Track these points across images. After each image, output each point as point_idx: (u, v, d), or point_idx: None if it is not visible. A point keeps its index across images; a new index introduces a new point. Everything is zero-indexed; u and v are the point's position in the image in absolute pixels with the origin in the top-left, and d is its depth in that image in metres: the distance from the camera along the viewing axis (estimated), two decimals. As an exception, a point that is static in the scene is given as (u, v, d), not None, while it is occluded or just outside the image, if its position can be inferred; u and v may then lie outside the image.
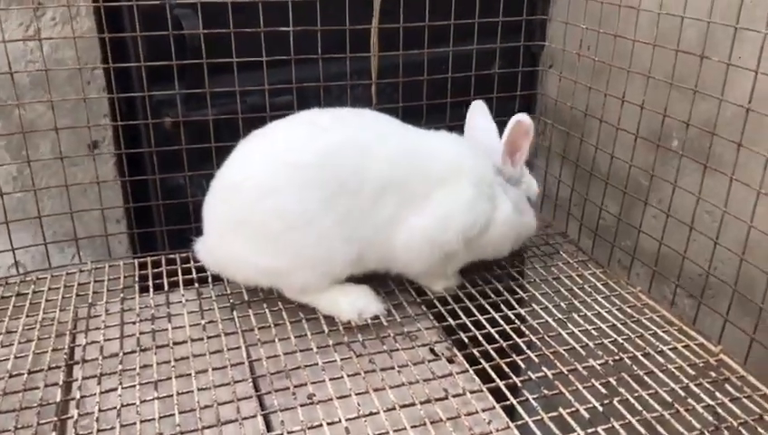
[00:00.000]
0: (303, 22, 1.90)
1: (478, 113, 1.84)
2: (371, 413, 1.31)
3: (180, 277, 1.82)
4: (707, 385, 1.40)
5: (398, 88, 2.11)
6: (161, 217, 2.01)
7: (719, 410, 1.33)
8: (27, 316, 1.67)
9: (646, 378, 1.41)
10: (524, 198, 1.79)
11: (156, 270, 1.86)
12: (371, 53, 2.05)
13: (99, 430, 1.29)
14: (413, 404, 1.33)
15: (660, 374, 1.43)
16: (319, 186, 1.51)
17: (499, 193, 1.69)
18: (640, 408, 1.32)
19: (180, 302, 1.71)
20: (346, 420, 1.29)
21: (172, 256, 1.90)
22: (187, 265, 1.85)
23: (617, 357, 1.48)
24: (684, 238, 1.68)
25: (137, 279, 1.85)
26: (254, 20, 1.86)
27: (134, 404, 1.35)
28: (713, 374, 1.44)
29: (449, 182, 1.61)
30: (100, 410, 1.33)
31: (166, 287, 1.78)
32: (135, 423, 1.30)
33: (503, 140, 1.70)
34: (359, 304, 1.60)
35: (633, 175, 1.87)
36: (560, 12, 2.19)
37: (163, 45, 1.84)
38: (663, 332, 1.59)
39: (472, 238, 1.63)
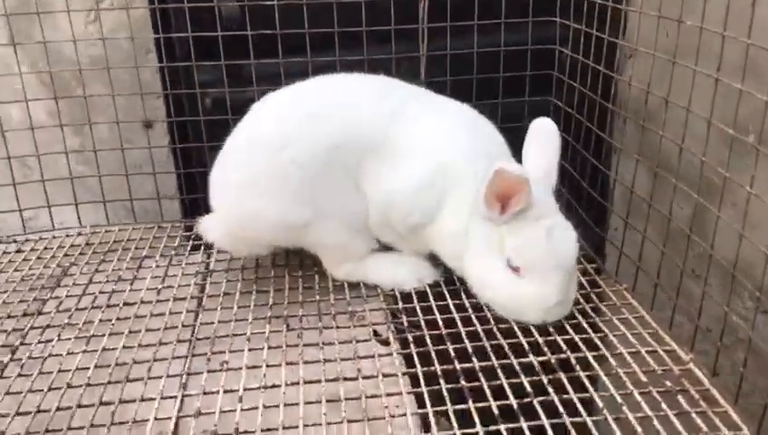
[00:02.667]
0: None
1: (533, 137, 1.53)
2: (273, 386, 1.26)
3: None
4: (655, 395, 1.22)
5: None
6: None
7: (654, 423, 1.16)
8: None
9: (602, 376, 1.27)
10: (503, 259, 1.40)
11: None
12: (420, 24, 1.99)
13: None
14: (318, 381, 1.27)
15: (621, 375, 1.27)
16: (327, 138, 1.50)
17: (456, 202, 1.48)
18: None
19: (179, 265, 1.76)
20: (244, 389, 1.25)
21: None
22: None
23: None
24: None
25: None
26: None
27: (60, 355, 1.39)
28: (668, 384, 1.26)
29: (413, 159, 1.52)
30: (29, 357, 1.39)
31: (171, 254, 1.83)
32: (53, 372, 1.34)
33: (482, 186, 1.38)
34: (418, 272, 1.59)
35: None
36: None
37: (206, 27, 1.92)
38: (634, 335, 1.42)
39: (414, 227, 1.53)
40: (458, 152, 1.52)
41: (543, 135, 1.50)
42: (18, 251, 1.90)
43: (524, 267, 1.37)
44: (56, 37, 1.98)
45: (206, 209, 1.70)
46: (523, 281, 1.37)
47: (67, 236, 1.96)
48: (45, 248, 1.90)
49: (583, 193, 1.87)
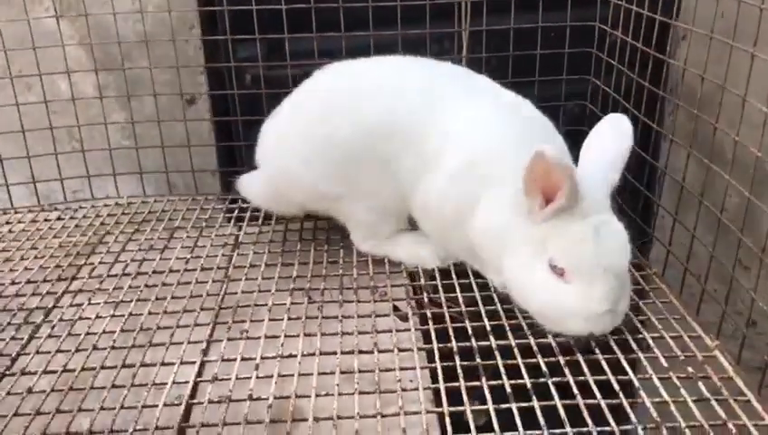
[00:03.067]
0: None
1: (601, 131, 1.41)
2: (290, 355, 1.28)
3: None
4: (676, 380, 1.19)
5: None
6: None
7: (672, 409, 1.13)
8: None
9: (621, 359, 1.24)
10: (545, 260, 1.26)
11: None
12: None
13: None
14: (334, 353, 1.28)
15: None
16: (365, 122, 1.50)
17: (495, 197, 1.37)
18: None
19: (209, 237, 1.80)
20: (261, 358, 1.27)
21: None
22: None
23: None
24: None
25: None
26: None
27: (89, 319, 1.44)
28: (690, 369, 1.22)
29: (448, 157, 1.47)
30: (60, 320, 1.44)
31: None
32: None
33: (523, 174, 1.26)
34: (440, 252, 1.58)
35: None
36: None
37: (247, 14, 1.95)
38: (660, 319, 1.38)
39: (452, 224, 1.48)
40: (495, 146, 1.43)
41: (613, 131, 1.38)
42: (59, 219, 1.96)
43: (569, 270, 1.22)
44: (104, 12, 2.02)
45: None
46: (567, 286, 1.23)
47: (105, 205, 2.02)
48: (84, 217, 1.96)
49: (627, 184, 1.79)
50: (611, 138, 1.37)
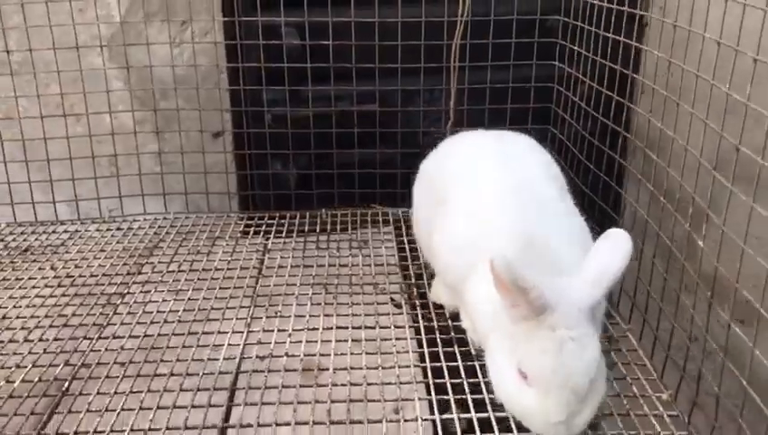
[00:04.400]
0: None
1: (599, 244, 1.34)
2: (313, 328, 1.72)
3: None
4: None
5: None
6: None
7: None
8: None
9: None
10: (515, 359, 1.26)
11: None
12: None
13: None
14: (346, 327, 1.72)
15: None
16: (428, 173, 1.80)
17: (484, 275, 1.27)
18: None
19: (243, 244, 2.24)
20: (292, 329, 1.71)
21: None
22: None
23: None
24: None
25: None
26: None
27: (157, 301, 1.88)
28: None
29: (452, 216, 1.59)
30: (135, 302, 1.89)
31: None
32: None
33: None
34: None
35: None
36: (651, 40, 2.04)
37: (272, 57, 2.41)
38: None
39: (451, 283, 1.64)
40: (491, 226, 1.46)
41: (609, 246, 1.31)
42: (118, 229, 2.41)
43: (530, 376, 1.23)
44: (146, 59, 2.45)
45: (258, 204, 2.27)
46: (528, 389, 1.24)
47: (155, 219, 2.46)
48: (139, 228, 2.40)
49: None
50: (606, 253, 1.31)
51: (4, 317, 1.82)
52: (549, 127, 2.47)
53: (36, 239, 2.33)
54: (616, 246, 1.31)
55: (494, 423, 1.37)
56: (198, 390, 1.49)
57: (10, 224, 2.45)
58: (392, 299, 1.90)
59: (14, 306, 1.87)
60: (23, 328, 1.76)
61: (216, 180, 2.57)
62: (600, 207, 2.10)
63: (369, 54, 2.37)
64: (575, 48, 2.22)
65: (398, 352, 1.62)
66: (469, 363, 1.56)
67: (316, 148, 2.50)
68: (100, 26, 2.43)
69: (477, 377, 1.50)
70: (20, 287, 1.98)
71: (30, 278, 2.04)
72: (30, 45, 2.36)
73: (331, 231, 2.30)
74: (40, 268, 2.11)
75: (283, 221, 2.40)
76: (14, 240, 2.33)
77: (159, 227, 2.41)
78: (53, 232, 2.39)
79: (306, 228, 2.35)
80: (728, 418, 1.43)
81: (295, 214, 2.45)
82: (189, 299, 1.88)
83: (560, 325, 1.22)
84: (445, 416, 1.41)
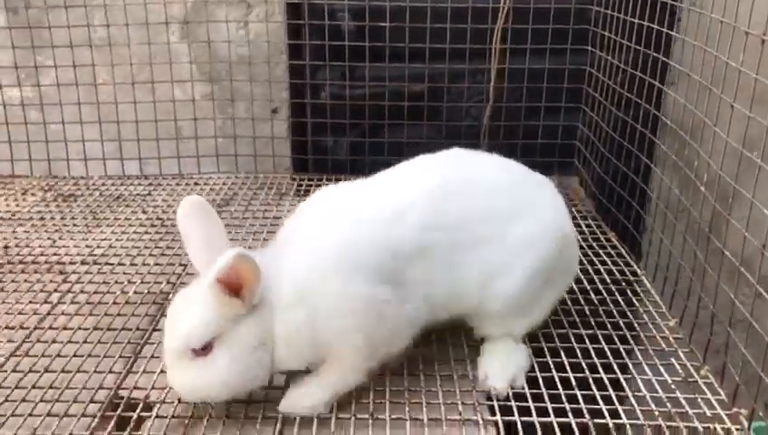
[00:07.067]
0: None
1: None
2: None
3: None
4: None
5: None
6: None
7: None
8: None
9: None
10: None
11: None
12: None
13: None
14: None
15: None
16: None
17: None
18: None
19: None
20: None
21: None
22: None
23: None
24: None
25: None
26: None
27: (237, 240, 2.20)
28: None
29: None
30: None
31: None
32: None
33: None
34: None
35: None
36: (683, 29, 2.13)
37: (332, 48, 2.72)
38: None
39: None
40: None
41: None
42: (195, 183, 2.75)
43: None
44: (216, 38, 2.78)
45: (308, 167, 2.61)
46: None
47: (228, 177, 2.80)
48: (214, 184, 2.74)
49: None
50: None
51: (110, 246, 2.17)
52: (581, 105, 2.74)
53: (126, 189, 2.68)
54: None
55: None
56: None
57: (101, 177, 2.81)
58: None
59: (117, 240, 2.22)
60: (127, 255, 2.10)
61: (278, 146, 2.88)
62: (630, 187, 2.30)
63: (420, 37, 2.67)
64: (607, 34, 2.49)
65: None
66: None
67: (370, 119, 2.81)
68: (176, 6, 2.75)
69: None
70: (119, 225, 2.33)
71: (126, 219, 2.39)
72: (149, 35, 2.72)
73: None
74: (132, 212, 2.46)
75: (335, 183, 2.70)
76: (107, 190, 2.68)
77: (232, 183, 2.75)
78: (139, 184, 2.74)
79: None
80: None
81: (347, 178, 2.73)
82: (264, 239, 2.21)
83: None
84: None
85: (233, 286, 1.27)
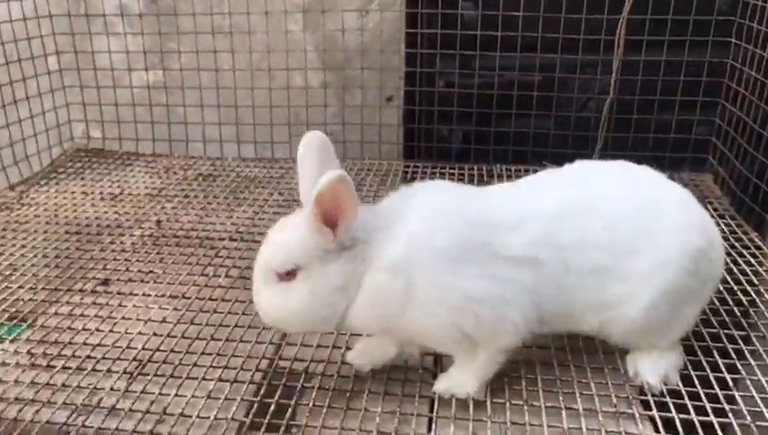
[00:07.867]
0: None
1: None
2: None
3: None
4: None
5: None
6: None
7: None
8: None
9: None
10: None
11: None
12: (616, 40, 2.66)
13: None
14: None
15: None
16: None
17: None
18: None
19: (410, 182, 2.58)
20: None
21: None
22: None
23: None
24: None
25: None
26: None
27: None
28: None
29: None
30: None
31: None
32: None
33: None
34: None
35: None
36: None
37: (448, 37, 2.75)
38: None
39: None
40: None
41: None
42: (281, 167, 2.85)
43: None
44: (335, 27, 2.84)
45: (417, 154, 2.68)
46: None
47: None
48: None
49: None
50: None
51: (253, 224, 2.28)
52: (719, 100, 2.65)
53: (259, 172, 2.80)
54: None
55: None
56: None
57: (235, 159, 2.94)
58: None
59: (260, 218, 2.33)
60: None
61: (388, 133, 2.93)
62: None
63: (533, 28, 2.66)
64: (753, 25, 2.39)
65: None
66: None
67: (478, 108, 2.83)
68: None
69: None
70: (258, 205, 2.45)
71: (264, 199, 2.50)
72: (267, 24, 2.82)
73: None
74: (269, 193, 2.57)
75: (443, 171, 2.73)
76: (242, 171, 2.81)
77: (350, 169, 2.81)
78: (272, 167, 2.85)
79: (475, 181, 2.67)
80: None
81: (454, 166, 2.77)
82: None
83: None
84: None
85: (329, 216, 1.26)
